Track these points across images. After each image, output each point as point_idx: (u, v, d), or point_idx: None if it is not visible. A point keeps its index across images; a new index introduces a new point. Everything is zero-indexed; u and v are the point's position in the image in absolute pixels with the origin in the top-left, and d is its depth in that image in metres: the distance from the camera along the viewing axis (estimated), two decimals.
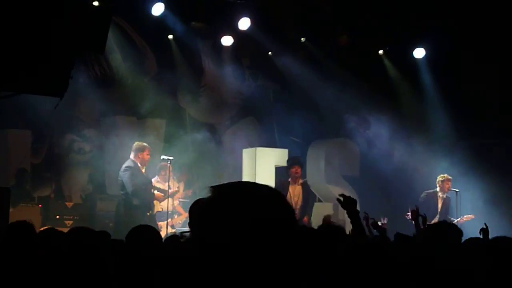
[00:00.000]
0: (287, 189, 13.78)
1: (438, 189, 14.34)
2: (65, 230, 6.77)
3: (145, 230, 5.65)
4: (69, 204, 14.68)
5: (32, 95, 11.59)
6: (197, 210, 2.11)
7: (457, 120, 16.35)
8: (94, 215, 14.34)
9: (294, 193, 13.89)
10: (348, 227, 6.55)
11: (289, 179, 13.99)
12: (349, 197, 6.08)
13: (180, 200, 15.05)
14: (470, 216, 13.83)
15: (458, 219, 13.63)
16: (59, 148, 15.72)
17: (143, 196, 12.85)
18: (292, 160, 14.36)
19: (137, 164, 12.97)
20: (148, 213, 12.77)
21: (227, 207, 2.02)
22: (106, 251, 4.58)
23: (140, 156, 12.98)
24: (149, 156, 13.08)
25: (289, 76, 17.40)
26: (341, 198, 6.05)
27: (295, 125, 17.13)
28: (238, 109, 17.74)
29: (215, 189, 2.08)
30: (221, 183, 2.12)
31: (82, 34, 11.26)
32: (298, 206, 13.78)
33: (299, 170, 14.05)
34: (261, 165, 15.57)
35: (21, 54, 9.68)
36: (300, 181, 14.09)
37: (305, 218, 14.08)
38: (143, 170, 13.08)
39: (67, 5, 10.50)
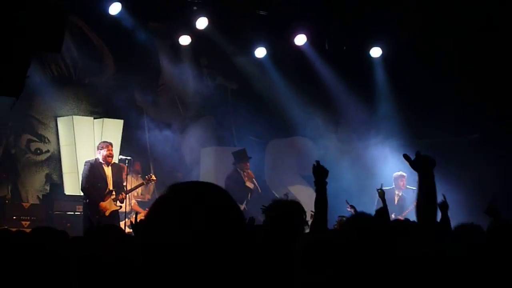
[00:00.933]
0: (243, 183, 13.83)
1: (394, 186, 14.48)
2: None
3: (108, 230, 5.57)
4: (26, 205, 14.55)
5: None
6: (148, 210, 2.11)
7: (414, 118, 16.52)
8: (52, 215, 14.24)
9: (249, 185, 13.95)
10: None
11: (243, 173, 13.99)
12: (322, 166, 5.99)
13: (138, 200, 15.00)
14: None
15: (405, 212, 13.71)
16: (15, 149, 15.56)
17: (92, 195, 12.75)
18: (244, 156, 14.33)
19: (100, 161, 12.94)
20: (97, 216, 12.54)
21: (179, 207, 2.03)
22: (67, 251, 4.56)
23: (101, 153, 12.96)
24: (110, 152, 13.02)
25: (247, 76, 17.42)
26: (315, 164, 5.99)
27: (253, 124, 17.16)
28: (196, 108, 17.71)
29: (170, 189, 2.09)
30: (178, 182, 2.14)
31: (38, 33, 11.18)
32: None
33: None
34: (220, 164, 15.61)
35: None
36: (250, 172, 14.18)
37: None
38: (108, 168, 13.01)
39: (22, 4, 10.42)
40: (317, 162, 6.02)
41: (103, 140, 13.65)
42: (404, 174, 14.49)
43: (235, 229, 2.05)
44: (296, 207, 5.33)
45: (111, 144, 13.15)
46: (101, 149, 13.02)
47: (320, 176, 5.93)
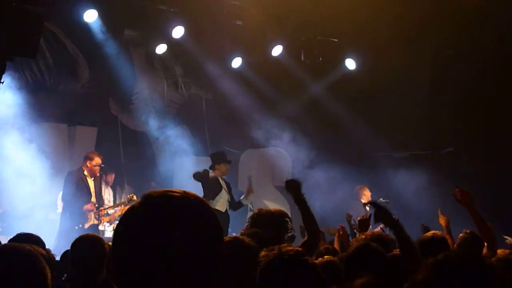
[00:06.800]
0: (218, 181, 13.45)
1: (358, 198, 14.50)
2: None
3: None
4: None
5: None
6: (121, 220, 2.05)
7: (387, 131, 16.59)
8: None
9: (224, 185, 13.57)
10: None
11: (214, 172, 13.50)
12: (293, 180, 5.87)
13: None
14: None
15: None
16: None
17: (73, 206, 12.60)
18: (224, 157, 13.84)
19: (83, 172, 12.77)
20: (76, 227, 12.36)
21: (157, 217, 1.99)
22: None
23: (88, 165, 12.80)
24: (98, 167, 12.83)
25: (223, 86, 17.37)
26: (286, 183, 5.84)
27: (227, 134, 17.15)
28: (171, 117, 17.64)
29: (145, 198, 2.05)
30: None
31: (13, 39, 11.10)
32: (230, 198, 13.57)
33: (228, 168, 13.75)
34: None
35: None
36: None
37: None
38: (91, 180, 12.84)
39: None
40: (287, 181, 5.89)
41: (92, 150, 13.57)
42: (365, 186, 14.52)
43: (214, 240, 2.03)
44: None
45: (100, 156, 13.02)
46: (88, 160, 12.82)
47: (295, 191, 5.76)
